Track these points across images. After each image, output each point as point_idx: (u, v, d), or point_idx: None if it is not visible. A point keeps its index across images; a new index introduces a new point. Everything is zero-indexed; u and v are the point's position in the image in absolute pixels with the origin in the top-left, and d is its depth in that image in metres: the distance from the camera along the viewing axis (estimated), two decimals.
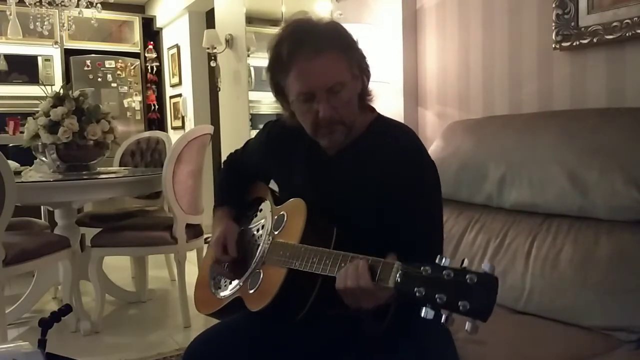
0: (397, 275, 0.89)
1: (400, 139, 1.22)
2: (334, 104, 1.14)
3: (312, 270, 1.06)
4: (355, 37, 1.20)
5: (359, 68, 1.20)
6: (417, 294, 0.83)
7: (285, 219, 1.24)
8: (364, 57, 1.22)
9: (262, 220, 1.35)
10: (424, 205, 1.17)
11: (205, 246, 1.46)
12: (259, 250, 1.27)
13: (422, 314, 0.83)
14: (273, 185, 1.44)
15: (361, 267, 0.95)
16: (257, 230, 1.34)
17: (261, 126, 1.45)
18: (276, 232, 1.24)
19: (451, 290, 0.80)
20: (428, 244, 1.15)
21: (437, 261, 0.85)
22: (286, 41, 1.14)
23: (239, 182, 1.49)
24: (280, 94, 1.23)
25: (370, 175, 1.18)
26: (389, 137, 1.22)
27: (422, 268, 0.85)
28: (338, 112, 1.14)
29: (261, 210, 1.39)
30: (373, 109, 1.28)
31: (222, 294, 1.32)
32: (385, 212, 1.15)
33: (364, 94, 1.23)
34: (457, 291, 0.79)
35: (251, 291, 1.20)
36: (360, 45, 1.22)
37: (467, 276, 0.79)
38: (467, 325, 0.79)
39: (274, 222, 1.28)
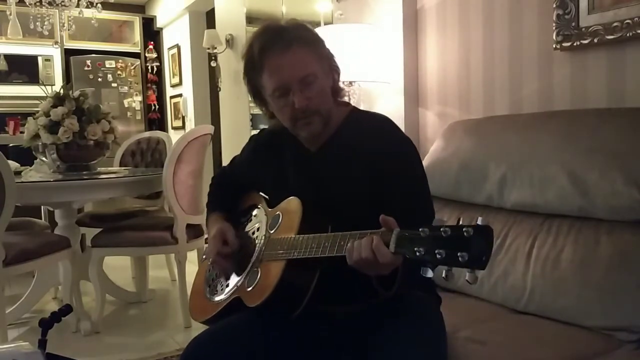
0: (396, 238, 0.93)
1: (376, 125, 1.28)
2: (308, 95, 1.19)
3: (312, 255, 1.07)
4: (321, 37, 1.28)
5: (329, 65, 1.27)
6: (417, 253, 0.87)
7: (280, 218, 1.26)
8: (332, 56, 1.29)
9: (257, 224, 1.35)
10: (410, 180, 1.22)
11: (206, 246, 1.46)
12: (255, 251, 1.27)
13: (422, 273, 0.87)
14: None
15: (375, 239, 0.97)
16: (253, 233, 1.35)
17: (262, 126, 1.47)
18: (272, 231, 1.25)
19: (449, 245, 0.84)
20: (422, 217, 1.17)
21: (433, 223, 0.88)
22: (256, 43, 1.22)
23: (229, 193, 1.52)
24: (258, 97, 1.31)
25: (354, 163, 1.23)
26: (366, 125, 1.28)
27: (420, 229, 0.88)
28: (313, 102, 1.20)
29: (255, 215, 1.40)
30: (348, 104, 1.35)
31: (218, 298, 1.32)
32: (375, 195, 1.19)
33: (336, 90, 1.30)
34: (455, 245, 0.83)
35: (249, 289, 1.20)
36: (328, 45, 1.30)
37: (464, 229, 0.83)
38: (467, 276, 0.83)
39: (269, 222, 1.29)
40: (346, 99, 1.39)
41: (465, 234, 0.82)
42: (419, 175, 1.26)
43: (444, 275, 0.85)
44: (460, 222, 0.86)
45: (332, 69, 1.28)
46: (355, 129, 1.27)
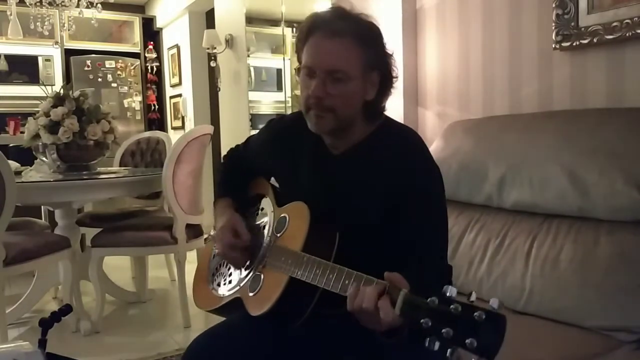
0: (403, 302, 0.88)
1: (406, 143, 1.20)
2: (330, 90, 1.12)
3: (315, 282, 1.05)
4: (388, 49, 1.20)
5: (379, 78, 1.18)
6: (423, 324, 0.83)
7: (287, 221, 1.22)
8: (389, 74, 1.21)
9: (264, 219, 1.33)
10: (430, 211, 1.15)
11: (206, 236, 1.45)
12: (260, 252, 1.25)
13: (426, 344, 0.81)
14: (274, 182, 1.43)
15: (383, 298, 0.92)
16: (259, 230, 1.33)
17: (261, 126, 1.44)
18: (278, 235, 1.22)
19: (458, 325, 0.79)
20: (432, 250, 1.15)
21: (443, 290, 0.84)
22: (315, 17, 1.16)
23: (240, 176, 1.46)
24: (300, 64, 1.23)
25: (375, 178, 1.17)
26: (395, 140, 1.20)
27: (429, 299, 0.84)
28: (331, 99, 1.13)
29: (262, 208, 1.37)
30: (382, 115, 1.27)
31: (221, 292, 1.32)
32: (389, 216, 1.14)
33: (375, 105, 1.21)
34: (464, 327, 0.79)
35: (251, 294, 1.19)
36: (394, 62, 1.22)
37: (476, 313, 0.79)
38: None
39: (275, 223, 1.26)
40: None
41: (476, 317, 0.78)
42: (438, 209, 1.18)
43: (448, 353, 0.80)
44: (473, 297, 0.82)
45: (382, 85, 1.20)
46: (382, 142, 1.20)
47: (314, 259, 1.07)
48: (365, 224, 1.16)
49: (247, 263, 1.27)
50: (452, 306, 0.81)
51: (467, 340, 0.78)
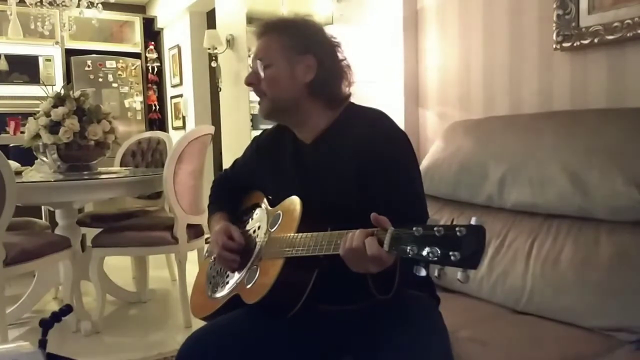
0: (390, 237, 0.92)
1: (369, 118, 1.27)
2: (261, 77, 1.28)
3: (310, 253, 1.08)
4: (308, 36, 1.29)
5: (318, 59, 1.25)
6: (410, 252, 0.87)
7: (281, 216, 1.26)
8: (328, 55, 1.28)
9: (258, 223, 1.36)
10: (404, 174, 1.21)
11: (206, 246, 1.46)
12: (255, 248, 1.29)
13: (414, 271, 0.87)
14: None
15: (365, 231, 0.98)
16: (254, 232, 1.36)
17: (262, 127, 1.49)
18: (272, 230, 1.26)
19: (442, 244, 0.84)
20: (414, 210, 1.19)
21: (428, 223, 0.88)
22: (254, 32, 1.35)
23: (230, 196, 1.53)
24: None
25: (343, 157, 1.22)
26: (360, 118, 1.28)
27: (414, 229, 0.88)
28: (263, 84, 1.28)
29: (257, 214, 1.41)
30: (345, 101, 1.34)
31: (219, 294, 1.33)
32: (368, 189, 1.18)
33: (322, 87, 1.27)
34: (448, 244, 0.83)
35: (248, 286, 1.21)
36: (338, 49, 1.31)
37: (457, 229, 0.83)
38: (459, 275, 0.83)
39: (270, 221, 1.30)
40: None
41: (458, 233, 0.83)
42: (409, 174, 1.23)
43: (436, 274, 0.86)
44: (455, 222, 0.86)
45: (323, 67, 1.25)
46: (348, 123, 1.27)
47: (307, 234, 1.12)
48: (351, 203, 1.20)
49: (243, 264, 1.30)
50: (435, 229, 0.85)
51: (451, 254, 0.82)
